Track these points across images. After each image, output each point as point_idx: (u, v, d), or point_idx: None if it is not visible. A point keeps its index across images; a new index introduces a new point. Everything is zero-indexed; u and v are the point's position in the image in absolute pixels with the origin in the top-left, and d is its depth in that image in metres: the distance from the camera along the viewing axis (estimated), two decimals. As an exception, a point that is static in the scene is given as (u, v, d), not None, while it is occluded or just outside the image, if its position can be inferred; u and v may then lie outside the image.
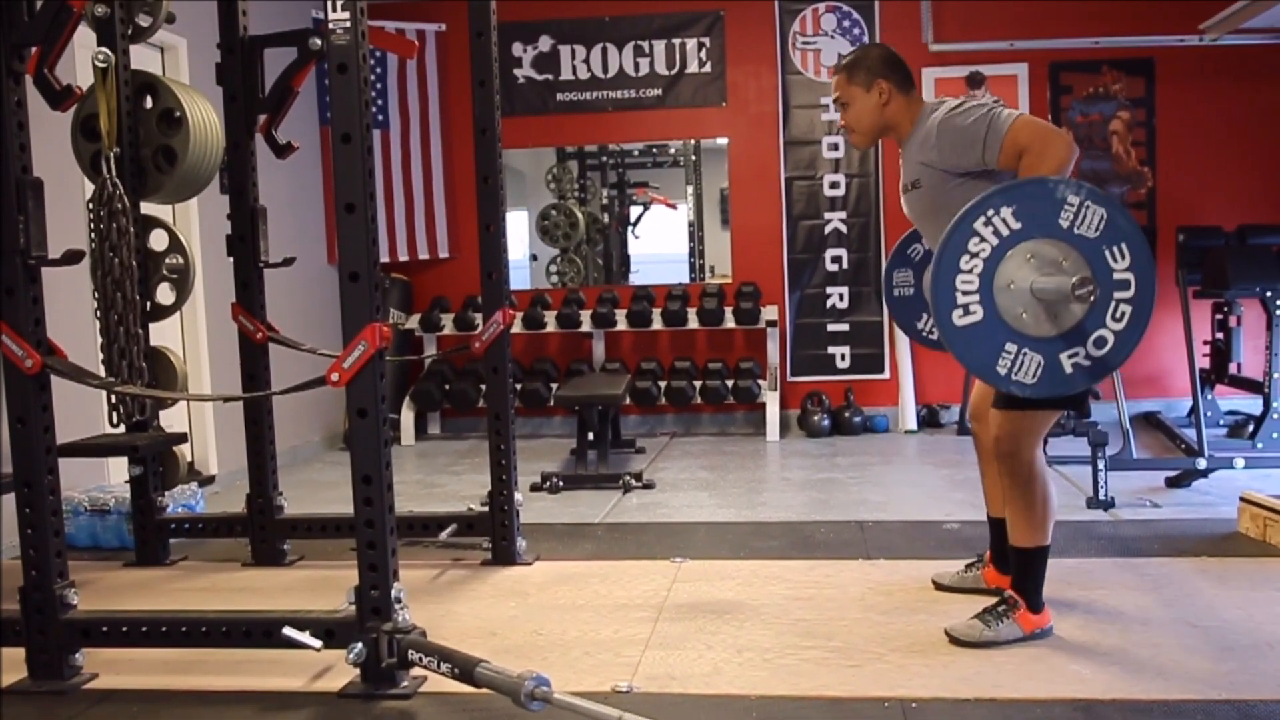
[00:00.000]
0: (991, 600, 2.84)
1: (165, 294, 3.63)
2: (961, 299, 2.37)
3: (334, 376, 2.50)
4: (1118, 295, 2.38)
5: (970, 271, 2.36)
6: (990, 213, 2.36)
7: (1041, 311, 2.37)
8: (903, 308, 3.47)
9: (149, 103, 3.48)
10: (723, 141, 7.02)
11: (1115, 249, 2.37)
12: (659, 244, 7.39)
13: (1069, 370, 2.40)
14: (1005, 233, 2.36)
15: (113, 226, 3.19)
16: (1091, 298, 2.32)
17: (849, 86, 2.94)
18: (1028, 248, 2.36)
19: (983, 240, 2.36)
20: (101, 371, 3.28)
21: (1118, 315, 2.39)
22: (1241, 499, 3.85)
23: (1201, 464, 4.66)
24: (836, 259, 6.87)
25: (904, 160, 2.97)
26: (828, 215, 6.86)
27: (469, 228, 6.57)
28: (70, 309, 3.91)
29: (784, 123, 6.87)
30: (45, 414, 2.68)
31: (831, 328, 6.91)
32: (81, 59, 3.71)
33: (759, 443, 6.50)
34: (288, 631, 2.56)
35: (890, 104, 2.91)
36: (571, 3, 6.92)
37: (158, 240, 3.59)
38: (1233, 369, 6.06)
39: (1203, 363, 6.04)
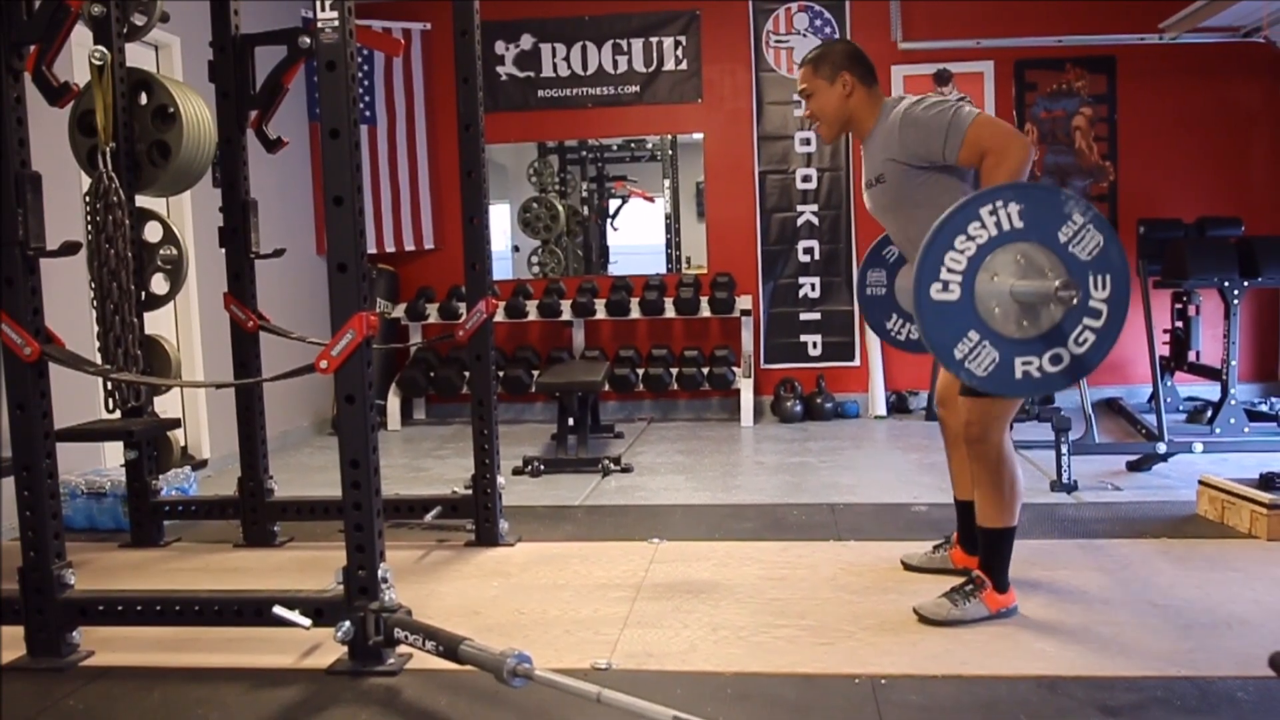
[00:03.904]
0: (959, 580, 2.88)
1: (159, 284, 3.65)
2: (945, 275, 2.36)
3: (323, 364, 2.53)
4: (1087, 321, 2.38)
5: (962, 252, 2.35)
6: (999, 203, 2.35)
7: (1013, 311, 2.37)
8: (874, 306, 3.51)
9: (144, 99, 3.50)
10: (698, 137, 7.09)
11: (1101, 277, 2.38)
12: (637, 236, 7.47)
13: (1018, 375, 2.41)
14: (1006, 227, 2.35)
15: (109, 219, 3.20)
16: (1074, 301, 2.32)
17: (814, 79, 2.95)
18: (1022, 248, 2.36)
19: (983, 226, 2.35)
20: (98, 359, 3.30)
21: (1080, 340, 2.40)
22: (1200, 482, 3.92)
23: (1161, 448, 4.72)
24: (809, 250, 6.96)
25: (865, 156, 2.98)
26: (800, 208, 6.95)
27: (453, 220, 6.67)
28: (68, 299, 3.91)
29: (758, 118, 6.95)
30: (43, 400, 2.71)
31: (804, 316, 7.00)
32: (78, 57, 3.67)
33: (734, 428, 6.56)
34: (278, 610, 2.58)
35: (853, 96, 2.92)
36: (552, 2, 6.96)
37: (152, 232, 3.61)
38: (1191, 357, 6.13)
39: (1163, 351, 6.12)
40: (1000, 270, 2.36)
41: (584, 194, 7.46)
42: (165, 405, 4.77)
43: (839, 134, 3.02)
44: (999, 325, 2.38)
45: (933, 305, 2.37)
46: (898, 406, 6.86)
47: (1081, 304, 2.38)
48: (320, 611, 2.60)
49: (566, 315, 6.96)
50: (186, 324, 5.30)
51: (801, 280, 7.00)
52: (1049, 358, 2.41)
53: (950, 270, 2.36)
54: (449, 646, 2.39)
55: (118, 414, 3.54)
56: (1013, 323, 2.38)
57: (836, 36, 6.79)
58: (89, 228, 3.24)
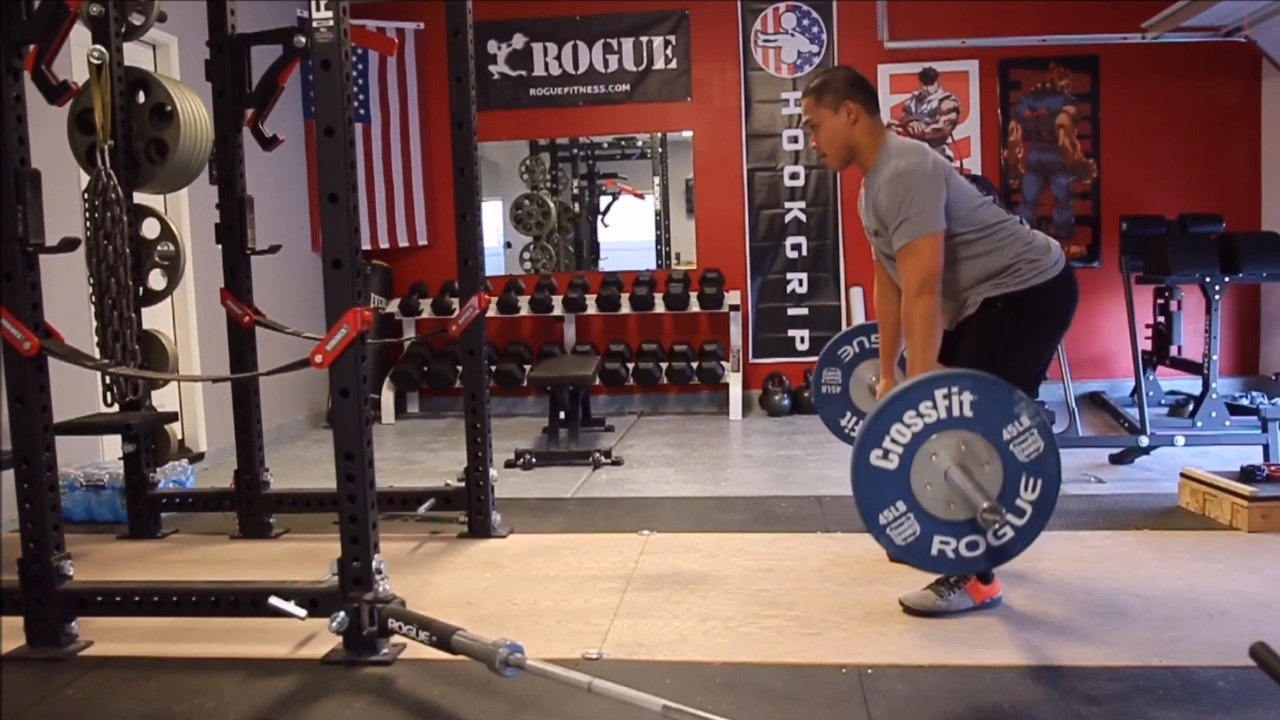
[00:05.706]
0: (944, 573, 2.92)
1: (157, 280, 3.66)
2: (887, 444, 2.38)
3: (318, 358, 2.54)
4: (1009, 518, 2.40)
5: (908, 427, 2.38)
6: (954, 389, 2.38)
7: (943, 493, 2.40)
8: (828, 405, 3.57)
9: (141, 98, 3.51)
10: (688, 134, 7.13)
11: (1032, 480, 2.40)
12: (627, 232, 7.50)
13: (934, 552, 2.43)
14: (955, 414, 2.38)
15: (107, 215, 3.21)
16: (993, 527, 2.36)
17: (818, 109, 2.90)
18: (966, 436, 2.39)
19: (934, 408, 2.38)
20: (96, 354, 3.32)
21: (999, 533, 2.41)
22: (1182, 475, 3.96)
23: (1144, 442, 4.72)
24: (796, 246, 7.01)
25: (865, 195, 2.95)
26: (788, 205, 7.00)
27: (446, 216, 6.69)
28: (66, 294, 3.91)
29: (746, 116, 6.99)
30: (43, 394, 2.74)
31: (791, 312, 7.05)
32: (77, 56, 3.73)
33: (722, 421, 6.60)
34: (274, 601, 2.61)
35: (858, 123, 2.87)
36: (544, 2, 7.00)
37: (150, 228, 3.62)
38: (1173, 351, 6.12)
39: (1145, 345, 6.12)
40: (940, 451, 2.40)
41: (575, 191, 7.49)
42: (163, 399, 4.75)
43: (845, 164, 2.98)
44: (927, 503, 2.41)
45: (869, 470, 2.40)
46: (885, 401, 6.89)
47: (1008, 505, 2.40)
48: (315, 602, 2.63)
49: (558, 310, 7.00)
50: (184, 319, 5.32)
51: (789, 276, 7.04)
52: (966, 543, 2.43)
53: (894, 441, 2.39)
54: (442, 637, 2.41)
55: (116, 408, 3.55)
56: (941, 504, 2.41)
57: (824, 36, 6.84)
58: (87, 224, 3.26)
